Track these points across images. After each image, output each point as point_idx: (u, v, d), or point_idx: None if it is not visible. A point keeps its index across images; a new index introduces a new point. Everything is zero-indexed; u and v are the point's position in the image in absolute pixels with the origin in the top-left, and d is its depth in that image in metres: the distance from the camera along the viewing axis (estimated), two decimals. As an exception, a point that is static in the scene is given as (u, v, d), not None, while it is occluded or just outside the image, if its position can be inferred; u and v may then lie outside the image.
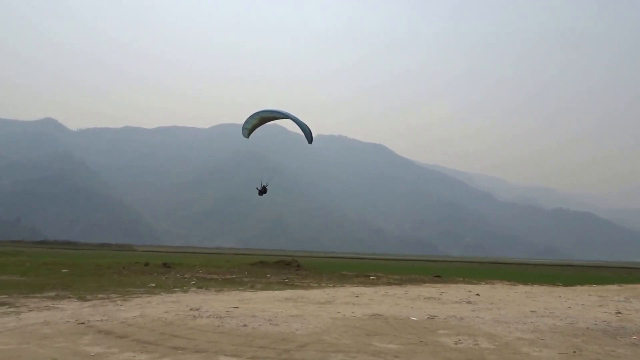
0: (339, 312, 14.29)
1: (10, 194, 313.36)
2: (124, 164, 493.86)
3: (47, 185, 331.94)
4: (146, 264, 34.52)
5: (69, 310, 13.25)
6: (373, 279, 30.86)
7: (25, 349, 8.47)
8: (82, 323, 11.15)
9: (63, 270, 28.15)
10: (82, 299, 15.87)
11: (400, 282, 28.77)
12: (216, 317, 12.50)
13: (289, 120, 17.23)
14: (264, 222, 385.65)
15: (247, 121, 17.92)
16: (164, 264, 34.64)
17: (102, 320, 11.56)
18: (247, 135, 18.38)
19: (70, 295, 16.55)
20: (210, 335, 10.25)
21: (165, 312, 13.25)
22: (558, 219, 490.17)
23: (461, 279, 34.43)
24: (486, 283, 31.20)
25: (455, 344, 10.24)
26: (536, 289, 27.40)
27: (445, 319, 13.79)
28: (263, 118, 17.61)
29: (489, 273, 46.86)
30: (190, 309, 13.84)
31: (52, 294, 16.84)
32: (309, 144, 17.58)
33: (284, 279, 27.69)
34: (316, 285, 24.97)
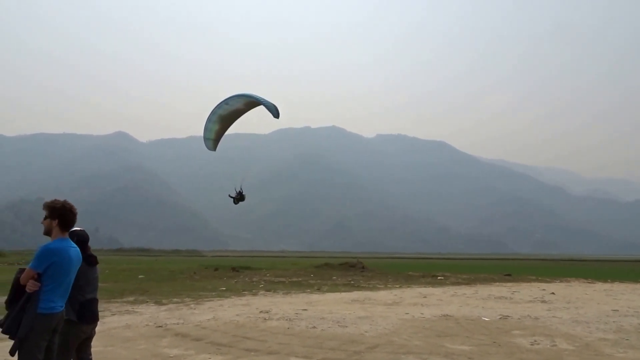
0: (407, 313, 14.15)
1: (89, 205, 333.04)
2: (190, 172, 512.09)
3: (121, 195, 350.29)
4: (216, 269, 35.65)
5: (147, 314, 13.92)
6: (441, 279, 30.27)
7: (111, 352, 8.98)
8: (160, 326, 11.69)
9: (140, 276, 29.57)
10: (159, 303, 16.61)
11: (469, 282, 28.05)
12: (286, 320, 12.72)
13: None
14: (326, 225, 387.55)
15: (206, 129, 14.40)
16: (233, 268, 35.63)
17: (178, 324, 12.07)
18: (214, 147, 14.84)
19: (148, 300, 17.37)
20: (281, 337, 10.45)
21: (237, 314, 13.64)
22: (638, 211, 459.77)
23: (534, 277, 33.09)
24: (561, 281, 29.79)
25: (531, 344, 9.87)
26: (617, 287, 25.86)
27: (519, 319, 13.32)
28: (222, 117, 14.38)
29: (563, 270, 44.73)
30: (260, 312, 14.17)
31: (131, 298, 17.73)
32: (277, 119, 13.82)
33: (350, 281, 27.73)
34: (382, 286, 24.83)
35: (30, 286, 4.74)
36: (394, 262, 62.18)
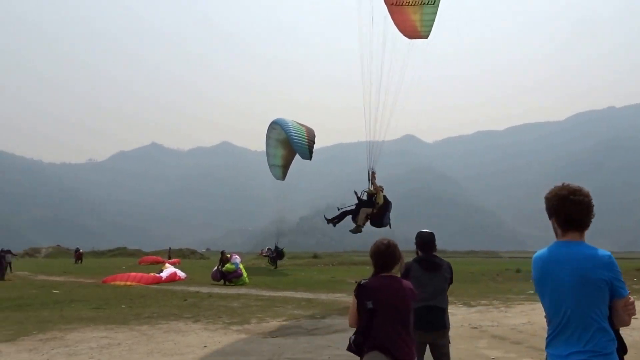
0: None
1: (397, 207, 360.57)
2: (479, 169, 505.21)
3: (413, 197, 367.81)
4: (517, 271, 34.19)
5: (459, 314, 14.50)
6: None
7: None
8: (475, 327, 12.13)
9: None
10: (467, 304, 17.10)
11: None
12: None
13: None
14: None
15: (269, 155, 13.04)
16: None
17: (492, 326, 12.30)
18: (282, 176, 13.35)
19: (456, 301, 17.94)
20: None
21: (552, 321, 13.04)
22: None
23: None
24: None
25: None
26: None
27: None
28: (281, 142, 12.91)
29: None
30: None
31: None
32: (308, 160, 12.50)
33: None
34: None
35: None
36: None
